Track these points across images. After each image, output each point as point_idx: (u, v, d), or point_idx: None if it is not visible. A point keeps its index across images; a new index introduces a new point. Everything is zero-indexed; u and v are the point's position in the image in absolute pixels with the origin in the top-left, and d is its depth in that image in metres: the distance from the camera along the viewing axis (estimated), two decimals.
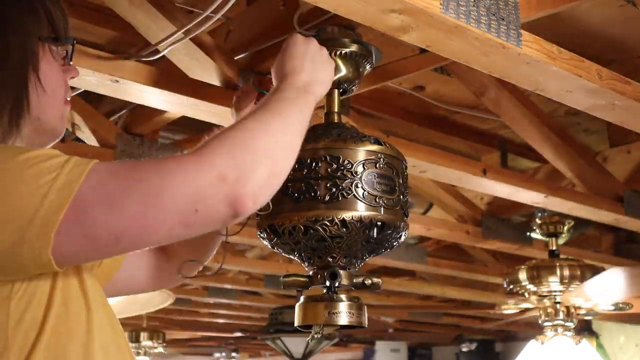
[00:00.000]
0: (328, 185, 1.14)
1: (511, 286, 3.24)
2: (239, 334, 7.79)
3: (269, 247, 1.24)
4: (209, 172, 0.85)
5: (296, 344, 4.56)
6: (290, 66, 1.12)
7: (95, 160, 0.85)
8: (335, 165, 1.15)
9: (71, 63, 1.07)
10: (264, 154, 0.91)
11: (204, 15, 1.37)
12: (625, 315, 3.26)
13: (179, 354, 9.72)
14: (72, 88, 1.76)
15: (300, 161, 1.15)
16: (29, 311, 0.86)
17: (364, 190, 1.14)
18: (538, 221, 3.28)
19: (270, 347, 4.96)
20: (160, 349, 6.17)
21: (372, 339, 8.52)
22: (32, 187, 0.81)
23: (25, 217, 0.80)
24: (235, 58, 1.70)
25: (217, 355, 9.78)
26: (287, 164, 0.97)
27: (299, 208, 1.14)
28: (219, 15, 1.36)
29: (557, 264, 3.11)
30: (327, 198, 1.13)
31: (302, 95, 1.07)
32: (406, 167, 1.26)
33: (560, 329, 3.24)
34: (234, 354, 9.67)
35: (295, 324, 1.20)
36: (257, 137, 0.92)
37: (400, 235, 1.22)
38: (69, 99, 1.06)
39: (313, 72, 1.12)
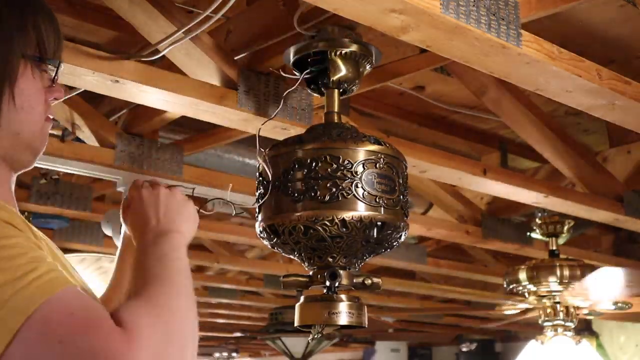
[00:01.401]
0: (328, 185, 1.14)
1: (511, 286, 3.24)
2: (239, 334, 7.79)
3: (269, 247, 1.24)
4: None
5: (296, 344, 4.56)
6: (146, 216, 1.09)
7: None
8: (335, 165, 1.15)
9: (54, 85, 1.05)
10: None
11: (204, 15, 1.37)
12: (625, 314, 3.26)
13: None
14: (72, 88, 1.77)
15: (300, 161, 1.15)
16: None
17: (364, 190, 1.14)
18: (538, 221, 3.28)
19: (270, 347, 4.96)
20: None
21: (372, 339, 8.52)
22: None
23: None
24: (235, 58, 1.70)
25: (217, 355, 9.78)
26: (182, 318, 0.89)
27: (299, 208, 1.14)
28: (219, 15, 1.36)
29: (557, 264, 3.11)
30: (327, 198, 1.13)
31: (164, 239, 1.04)
32: (406, 167, 1.26)
33: (560, 329, 3.24)
34: (234, 354, 9.67)
35: (296, 324, 1.20)
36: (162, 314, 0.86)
37: (400, 235, 1.22)
38: (51, 117, 1.06)
39: (170, 214, 1.09)
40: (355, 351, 9.28)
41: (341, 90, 1.33)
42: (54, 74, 1.05)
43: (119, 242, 2.27)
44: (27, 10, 1.01)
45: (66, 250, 3.05)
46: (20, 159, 1.01)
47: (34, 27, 1.01)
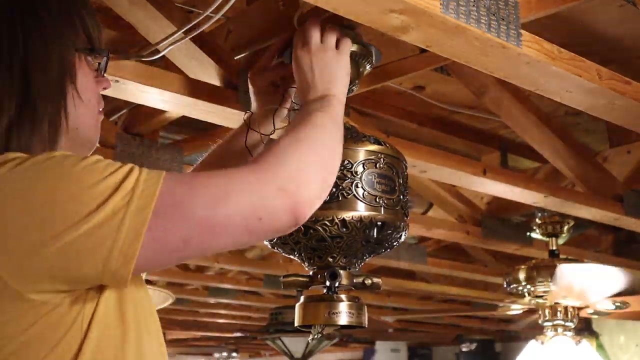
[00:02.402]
0: None
1: (511, 286, 3.24)
2: (239, 334, 7.79)
3: (269, 247, 1.25)
4: (271, 183, 0.91)
5: (296, 344, 4.56)
6: (305, 81, 1.17)
7: (163, 173, 0.87)
8: None
9: (104, 75, 1.07)
10: (317, 164, 0.98)
11: (204, 15, 1.37)
12: (625, 313, 3.26)
13: (178, 354, 9.73)
14: None
15: None
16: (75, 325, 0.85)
17: (364, 190, 1.14)
18: (538, 221, 3.28)
19: (270, 347, 4.96)
20: None
21: (372, 339, 8.52)
22: (106, 215, 0.80)
23: (105, 247, 0.80)
24: (235, 58, 1.70)
25: (217, 355, 9.78)
26: (335, 169, 1.04)
27: None
28: (219, 15, 1.36)
29: (557, 264, 3.11)
30: (328, 198, 1.13)
31: (326, 103, 1.11)
32: (406, 167, 1.26)
33: (560, 329, 3.24)
34: (234, 354, 9.67)
35: (296, 324, 1.20)
36: (308, 148, 0.99)
37: (400, 235, 1.22)
38: (101, 109, 1.07)
39: (324, 77, 1.15)
40: (355, 351, 9.29)
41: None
42: (102, 64, 1.06)
43: None
44: (72, 5, 1.02)
45: None
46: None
47: (81, 21, 1.02)
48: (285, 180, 0.92)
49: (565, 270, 2.94)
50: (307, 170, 0.95)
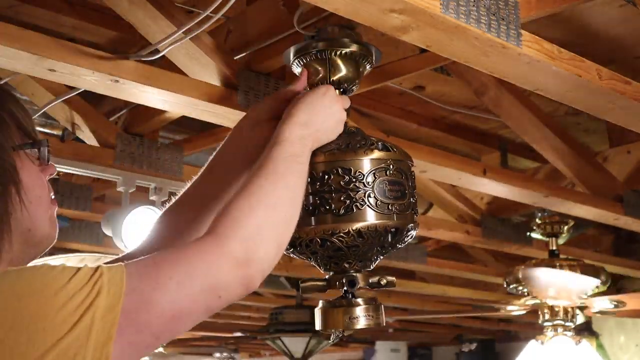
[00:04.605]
0: (342, 198, 1.13)
1: (511, 286, 3.24)
2: (239, 334, 7.79)
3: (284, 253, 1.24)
4: (227, 260, 0.89)
5: (296, 344, 4.56)
6: (288, 117, 1.11)
7: (122, 269, 0.82)
8: (347, 178, 1.14)
9: (49, 162, 1.01)
10: (270, 230, 0.95)
11: (204, 15, 1.38)
12: (630, 311, 3.26)
13: (178, 354, 9.72)
14: (72, 88, 1.77)
15: (312, 175, 1.15)
16: None
17: (377, 200, 1.14)
18: (538, 221, 3.28)
19: (270, 347, 4.96)
20: (160, 349, 6.17)
21: (372, 339, 8.52)
22: (71, 322, 0.75)
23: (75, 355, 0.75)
24: (235, 58, 1.70)
25: (217, 355, 9.78)
26: (289, 233, 1.00)
27: (315, 222, 1.14)
28: (219, 15, 1.36)
29: (557, 264, 3.11)
30: (342, 211, 1.13)
31: (298, 146, 1.06)
32: (412, 165, 1.25)
33: (560, 329, 3.24)
34: (234, 354, 9.67)
35: (317, 329, 1.21)
36: (262, 211, 0.95)
37: (411, 235, 1.23)
38: (53, 196, 1.00)
39: (311, 117, 1.10)
40: (355, 351, 9.29)
41: (341, 90, 1.32)
42: (44, 153, 0.99)
43: (119, 242, 2.28)
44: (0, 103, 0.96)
45: (66, 250, 3.04)
46: (33, 255, 0.96)
47: (10, 116, 0.96)
48: (239, 253, 0.89)
49: (537, 273, 2.96)
50: (262, 240, 0.93)
